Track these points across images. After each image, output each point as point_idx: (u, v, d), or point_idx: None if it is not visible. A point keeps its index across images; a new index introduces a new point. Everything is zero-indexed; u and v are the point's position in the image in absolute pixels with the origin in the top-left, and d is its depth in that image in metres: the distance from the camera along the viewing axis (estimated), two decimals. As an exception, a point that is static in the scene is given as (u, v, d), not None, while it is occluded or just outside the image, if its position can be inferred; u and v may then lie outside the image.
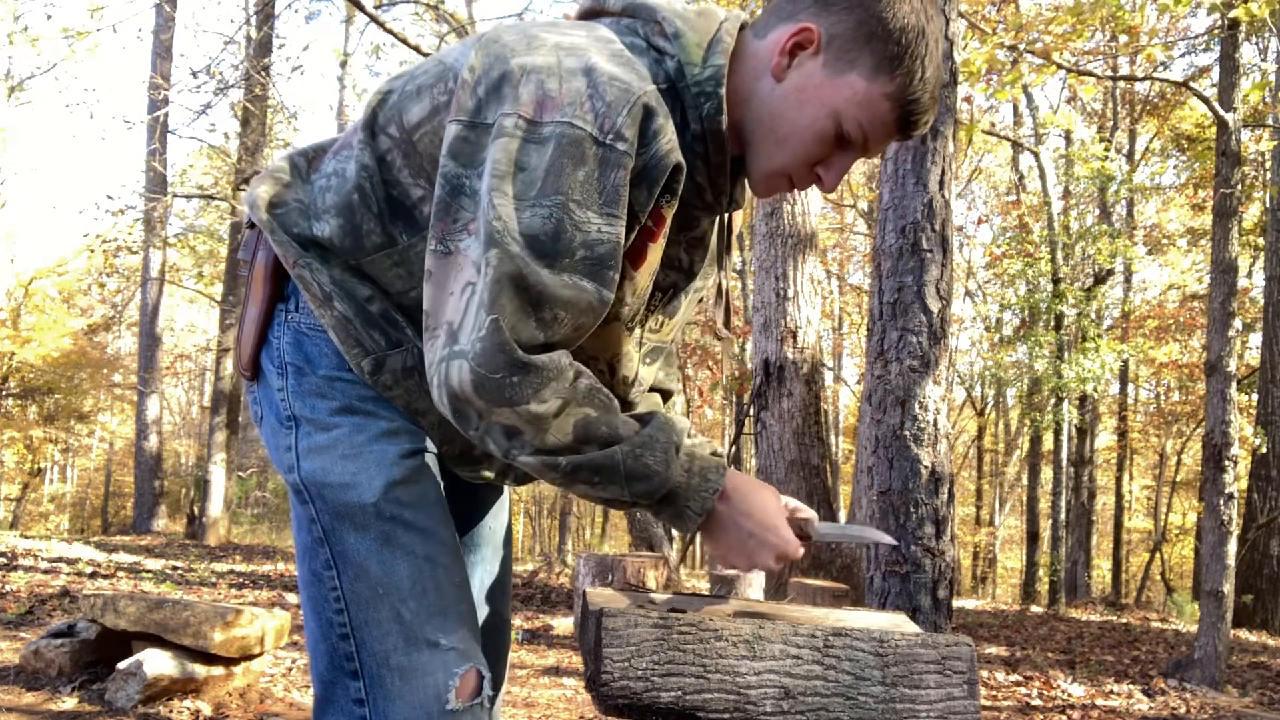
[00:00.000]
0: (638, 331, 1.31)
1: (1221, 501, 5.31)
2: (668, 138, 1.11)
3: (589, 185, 1.07)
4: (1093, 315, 13.72)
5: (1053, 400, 13.99)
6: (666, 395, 1.54)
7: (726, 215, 1.37)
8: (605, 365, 1.29)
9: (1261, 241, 11.91)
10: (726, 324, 1.44)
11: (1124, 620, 10.03)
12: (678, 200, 1.18)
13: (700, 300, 1.42)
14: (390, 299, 1.22)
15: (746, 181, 1.30)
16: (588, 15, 1.27)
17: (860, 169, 17.92)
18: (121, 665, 3.24)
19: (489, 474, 1.35)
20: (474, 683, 1.18)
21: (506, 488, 1.51)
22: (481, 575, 1.48)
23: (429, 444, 1.27)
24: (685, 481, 1.16)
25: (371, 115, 1.22)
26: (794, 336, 6.87)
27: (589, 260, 1.09)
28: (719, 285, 1.41)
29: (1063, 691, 4.88)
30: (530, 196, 1.06)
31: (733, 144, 1.22)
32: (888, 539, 1.37)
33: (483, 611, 1.46)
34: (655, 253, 1.21)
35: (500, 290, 1.05)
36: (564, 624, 6.09)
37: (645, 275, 1.22)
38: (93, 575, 6.94)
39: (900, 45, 1.15)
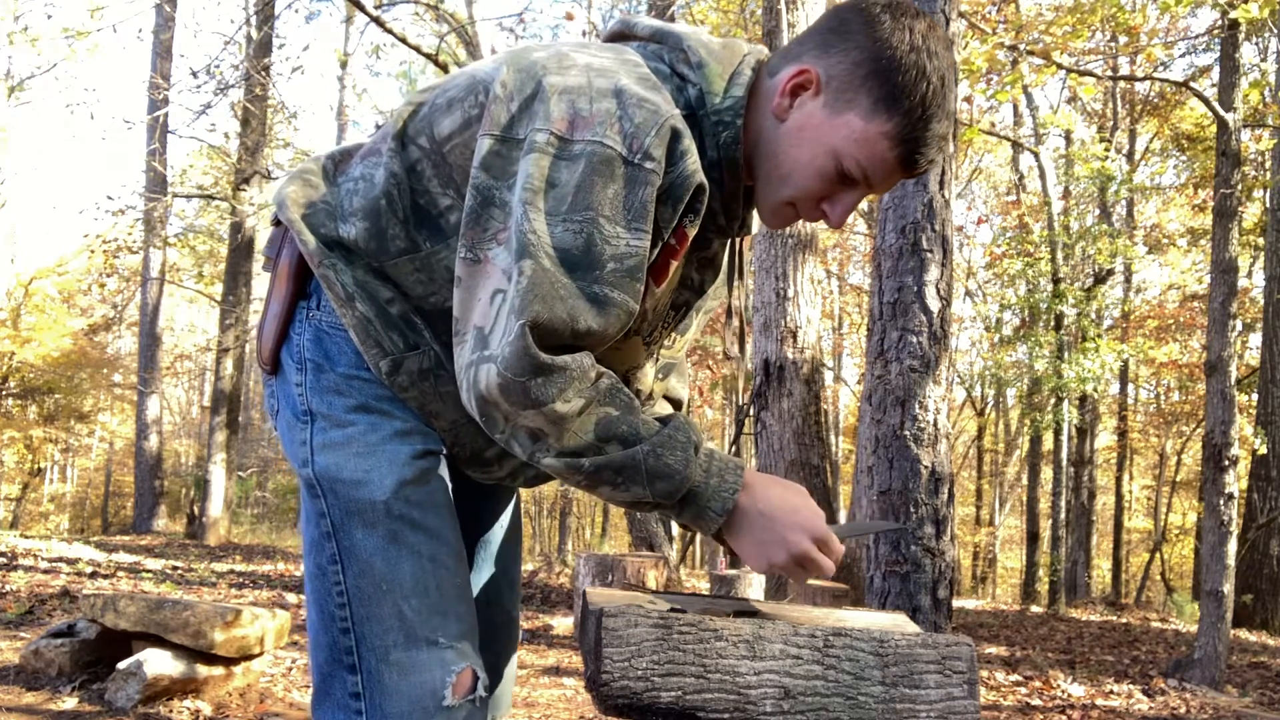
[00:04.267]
0: (654, 349, 1.34)
1: (1221, 501, 5.31)
2: (693, 158, 1.15)
3: (617, 202, 1.11)
4: (1093, 315, 13.71)
5: (1053, 400, 13.98)
6: (678, 405, 1.57)
7: (737, 239, 1.40)
8: (621, 379, 1.30)
9: (1261, 241, 11.91)
10: (740, 348, 1.47)
11: (1124, 620, 10.04)
12: (700, 220, 1.21)
13: (709, 316, 1.46)
14: (410, 302, 1.25)
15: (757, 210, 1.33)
16: (615, 38, 1.32)
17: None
18: (121, 665, 3.24)
19: (499, 475, 1.37)
20: (469, 681, 1.21)
21: (518, 493, 1.53)
22: (490, 572, 1.49)
23: (441, 445, 1.29)
24: (704, 480, 1.18)
25: (402, 126, 1.25)
26: (794, 336, 6.87)
27: (618, 272, 1.12)
28: (729, 307, 1.43)
29: (1063, 691, 4.88)
30: (562, 212, 1.10)
31: (745, 174, 1.26)
32: (893, 525, 1.42)
33: (491, 608, 1.47)
34: (676, 270, 1.25)
35: (531, 298, 1.08)
36: (564, 624, 6.09)
37: (666, 292, 1.27)
38: (93, 575, 6.94)
39: (897, 86, 1.16)
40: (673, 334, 1.35)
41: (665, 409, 1.53)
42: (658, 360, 1.38)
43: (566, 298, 1.10)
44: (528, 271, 1.09)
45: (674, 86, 1.21)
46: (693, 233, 1.21)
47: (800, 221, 1.30)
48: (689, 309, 1.35)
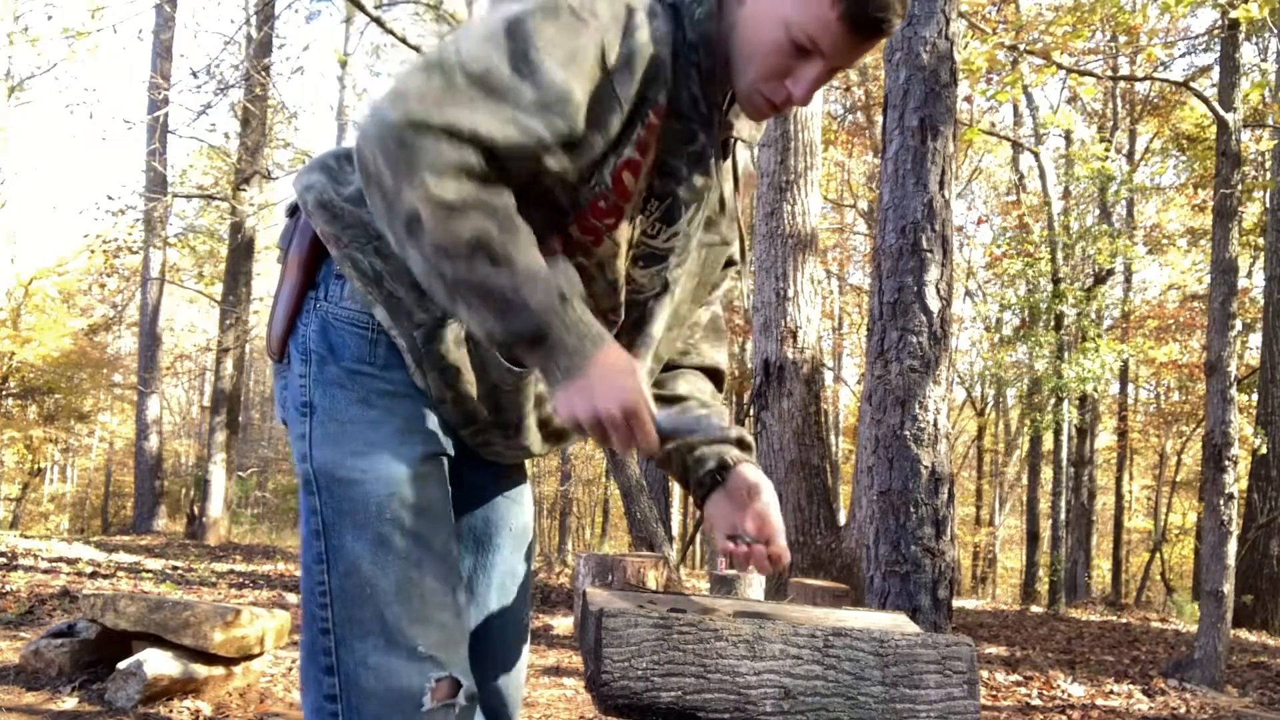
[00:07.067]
0: (625, 227, 1.30)
1: (1221, 501, 5.30)
2: (647, 32, 1.19)
3: (554, 39, 1.14)
4: (1093, 315, 13.71)
5: (1053, 400, 13.97)
6: (717, 377, 1.54)
7: (736, 152, 1.40)
8: (594, 266, 1.29)
9: (1261, 241, 11.90)
10: (741, 256, 1.50)
11: (1124, 620, 10.04)
12: (667, 93, 1.23)
13: (718, 256, 1.43)
14: None
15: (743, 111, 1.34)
16: None
17: (860, 169, 17.92)
18: (121, 665, 3.24)
19: (527, 443, 1.36)
20: (448, 689, 1.19)
21: (528, 487, 1.53)
22: (500, 578, 1.47)
23: (442, 446, 1.29)
24: (562, 336, 1.14)
25: None
26: (794, 336, 6.87)
27: (538, 104, 1.14)
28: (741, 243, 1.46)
29: (1063, 691, 4.88)
30: (494, 36, 1.14)
31: (726, 71, 1.28)
32: (720, 427, 1.32)
33: (501, 615, 1.46)
34: (654, 152, 1.25)
35: (433, 98, 1.10)
36: (564, 624, 6.09)
37: (647, 175, 1.26)
38: (93, 575, 6.94)
39: None
40: (658, 225, 1.31)
41: (701, 387, 1.50)
42: (636, 247, 1.31)
43: (466, 106, 1.11)
44: (435, 77, 1.11)
45: None
46: (665, 104, 1.23)
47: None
48: (675, 202, 1.31)
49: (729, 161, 1.38)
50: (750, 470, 1.37)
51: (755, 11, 1.22)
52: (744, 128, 1.37)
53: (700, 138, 1.28)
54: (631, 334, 1.36)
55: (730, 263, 1.48)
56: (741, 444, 1.43)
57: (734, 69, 1.26)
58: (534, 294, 1.11)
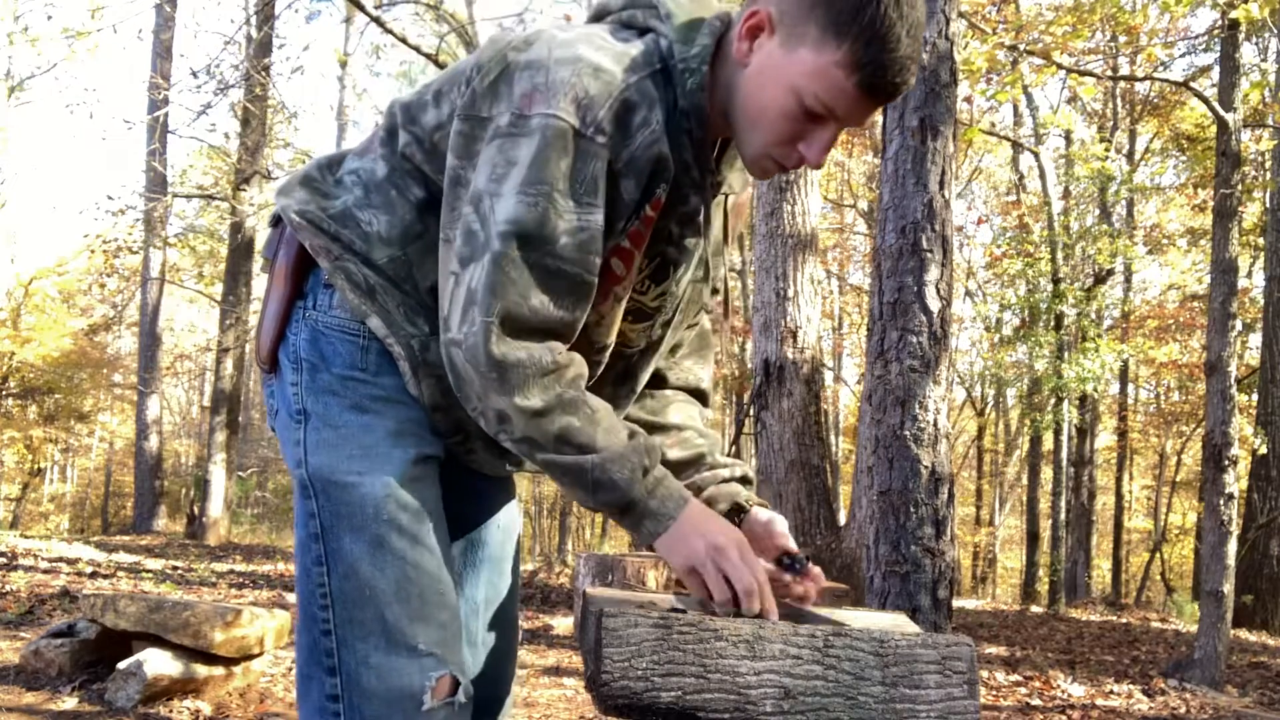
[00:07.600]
0: (615, 304, 1.32)
1: (1221, 501, 5.31)
2: (651, 129, 1.17)
3: (569, 175, 1.14)
4: (1093, 315, 13.71)
5: (1053, 400, 13.98)
6: (703, 397, 1.56)
7: (727, 201, 1.41)
8: (605, 351, 1.31)
9: (1261, 241, 11.90)
10: (725, 314, 1.51)
11: (1124, 620, 10.04)
12: (670, 185, 1.23)
13: (703, 290, 1.44)
14: (431, 281, 1.27)
15: (743, 165, 1.34)
16: (595, 20, 1.34)
17: (860, 169, 17.92)
18: (121, 665, 3.25)
19: (490, 465, 1.38)
20: (448, 686, 1.22)
21: (516, 494, 1.54)
22: (489, 574, 1.48)
23: (434, 449, 1.30)
24: (645, 502, 1.21)
25: (391, 121, 1.30)
26: (794, 336, 6.87)
27: (570, 246, 1.16)
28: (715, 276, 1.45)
29: (1063, 691, 4.88)
30: (519, 186, 1.14)
31: (725, 128, 1.27)
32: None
33: (489, 610, 1.47)
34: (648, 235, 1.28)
35: (490, 292, 1.14)
36: (564, 624, 6.09)
37: (643, 256, 1.29)
38: (93, 575, 6.94)
39: (840, 11, 1.13)
40: (647, 282, 1.33)
41: (688, 412, 1.51)
42: (656, 334, 1.36)
43: (518, 280, 1.14)
44: (485, 262, 1.14)
45: (648, 41, 1.22)
46: (664, 196, 1.23)
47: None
48: (665, 261, 1.32)
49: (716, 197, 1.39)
50: (761, 512, 1.43)
51: (759, 77, 1.19)
52: (735, 180, 1.38)
53: (692, 200, 1.29)
54: (615, 386, 1.38)
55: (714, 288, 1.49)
56: (745, 480, 1.48)
57: (738, 134, 1.24)
58: (618, 472, 1.19)
